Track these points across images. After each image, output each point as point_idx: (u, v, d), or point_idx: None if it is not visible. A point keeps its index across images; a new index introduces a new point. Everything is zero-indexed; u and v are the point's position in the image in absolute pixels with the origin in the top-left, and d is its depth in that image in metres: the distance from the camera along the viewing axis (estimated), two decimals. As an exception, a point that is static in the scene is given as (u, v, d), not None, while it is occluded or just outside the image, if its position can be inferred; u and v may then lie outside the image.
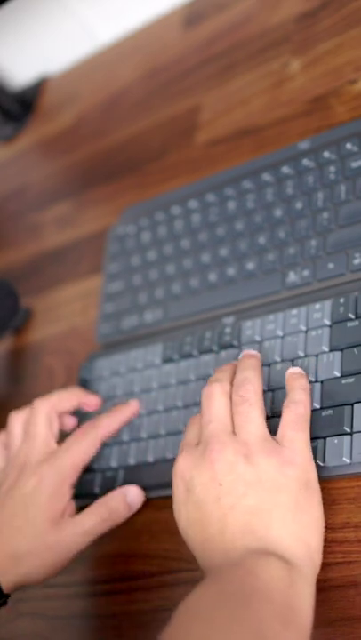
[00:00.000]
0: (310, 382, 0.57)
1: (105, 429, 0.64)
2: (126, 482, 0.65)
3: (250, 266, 0.67)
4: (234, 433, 0.53)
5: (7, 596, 0.58)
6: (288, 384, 0.56)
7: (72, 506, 0.61)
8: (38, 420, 0.64)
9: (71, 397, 0.66)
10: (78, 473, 0.62)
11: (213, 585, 0.48)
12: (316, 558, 0.50)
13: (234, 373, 0.57)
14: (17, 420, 0.66)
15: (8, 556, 0.58)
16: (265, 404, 0.57)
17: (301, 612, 0.47)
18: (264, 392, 0.59)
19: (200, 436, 0.55)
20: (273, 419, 0.57)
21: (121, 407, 0.66)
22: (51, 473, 0.60)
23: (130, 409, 0.66)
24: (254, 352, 0.60)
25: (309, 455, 0.52)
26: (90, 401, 0.68)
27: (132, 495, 0.62)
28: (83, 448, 0.62)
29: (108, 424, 0.64)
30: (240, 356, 0.60)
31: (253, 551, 0.49)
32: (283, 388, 0.58)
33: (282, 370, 0.59)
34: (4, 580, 0.57)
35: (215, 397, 0.55)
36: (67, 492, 0.60)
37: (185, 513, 0.53)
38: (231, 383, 0.56)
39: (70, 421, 0.68)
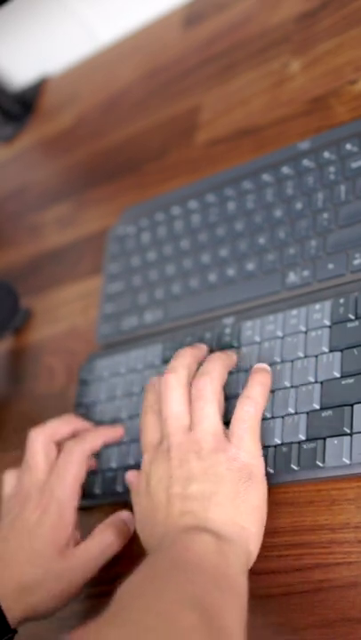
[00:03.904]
0: (310, 383, 0.57)
1: (89, 447, 0.64)
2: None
3: (250, 266, 0.67)
4: (190, 426, 0.56)
5: (14, 631, 0.58)
6: (251, 376, 0.58)
7: (77, 533, 0.61)
8: (35, 449, 0.64)
9: (66, 424, 0.66)
10: (78, 496, 0.62)
11: (149, 564, 0.51)
12: (252, 543, 0.53)
13: (193, 359, 0.59)
14: (39, 440, 0.65)
15: (15, 588, 0.58)
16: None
17: (236, 582, 0.49)
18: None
19: (161, 430, 0.58)
20: (272, 419, 0.57)
21: (107, 427, 0.67)
22: (52, 504, 0.60)
23: (115, 431, 0.66)
24: (231, 353, 0.61)
25: (257, 452, 0.55)
26: (84, 428, 0.67)
27: (124, 517, 0.62)
28: (73, 472, 0.62)
29: (93, 441, 0.64)
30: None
31: (189, 529, 0.52)
32: (282, 388, 0.58)
33: (282, 370, 0.59)
34: (10, 615, 0.57)
35: (171, 390, 0.57)
36: (70, 519, 0.60)
37: (140, 503, 0.57)
38: (189, 371, 0.58)
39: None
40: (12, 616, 0.57)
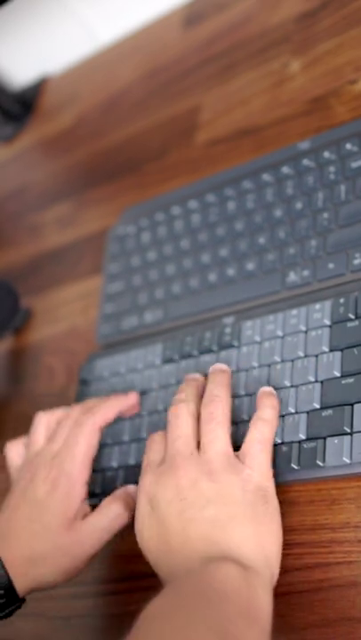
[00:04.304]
0: (310, 382, 0.57)
1: (100, 419, 0.63)
2: (126, 482, 0.65)
3: (250, 266, 0.67)
4: (198, 449, 0.55)
5: (22, 600, 0.58)
6: (259, 400, 0.57)
7: (86, 506, 0.61)
8: (37, 423, 0.63)
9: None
10: (89, 470, 0.61)
11: (173, 591, 0.50)
12: (274, 566, 0.52)
13: (199, 390, 0.59)
14: (41, 421, 0.65)
15: (24, 559, 0.58)
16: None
17: (261, 612, 0.48)
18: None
19: (165, 454, 0.56)
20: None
21: (118, 396, 0.66)
22: (61, 478, 0.60)
23: (128, 399, 0.65)
24: (225, 367, 0.61)
25: (269, 474, 0.54)
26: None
27: (131, 490, 0.62)
28: (83, 445, 0.61)
29: (104, 414, 0.63)
30: (210, 369, 0.61)
31: (212, 558, 0.50)
32: (283, 388, 0.58)
33: (282, 370, 0.59)
34: (18, 584, 0.57)
35: (182, 417, 0.57)
36: (80, 493, 0.60)
37: (148, 527, 0.54)
38: (196, 402, 0.58)
39: None
40: (20, 586, 0.57)
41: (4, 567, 0.57)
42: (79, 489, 0.60)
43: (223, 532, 0.51)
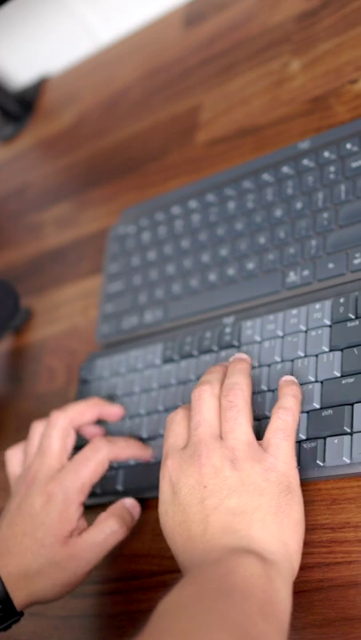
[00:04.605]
0: (310, 382, 0.57)
1: (116, 453, 0.62)
2: (126, 482, 0.65)
3: (250, 266, 0.67)
4: (221, 436, 0.54)
5: (20, 613, 0.58)
6: (280, 390, 0.57)
7: (83, 523, 0.60)
8: (53, 433, 0.62)
9: (91, 409, 0.65)
10: (87, 493, 0.61)
11: (193, 583, 0.49)
12: (295, 559, 0.51)
13: (224, 374, 0.58)
14: (37, 429, 0.65)
15: (21, 575, 0.58)
16: (263, 405, 0.58)
17: (280, 607, 0.48)
18: (263, 392, 0.59)
19: (188, 439, 0.56)
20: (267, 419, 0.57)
21: (139, 443, 0.65)
22: (59, 494, 0.59)
23: (145, 451, 0.65)
24: (245, 356, 0.60)
25: (293, 463, 0.53)
26: (111, 411, 0.67)
27: (129, 504, 0.62)
28: (91, 470, 0.61)
29: (121, 450, 0.63)
30: (231, 359, 0.60)
31: (233, 550, 0.50)
32: (283, 387, 0.58)
33: (282, 370, 0.59)
34: (16, 598, 0.57)
35: (205, 399, 0.56)
36: (75, 513, 0.59)
37: (171, 514, 0.54)
38: (222, 385, 0.57)
39: (94, 430, 0.67)
40: (18, 600, 0.57)
41: (1, 582, 0.57)
42: (75, 508, 0.59)
43: (244, 522, 0.51)
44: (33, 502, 0.59)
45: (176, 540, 0.53)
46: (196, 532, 0.51)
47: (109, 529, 0.59)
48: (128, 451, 0.63)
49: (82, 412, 0.64)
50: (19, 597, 0.57)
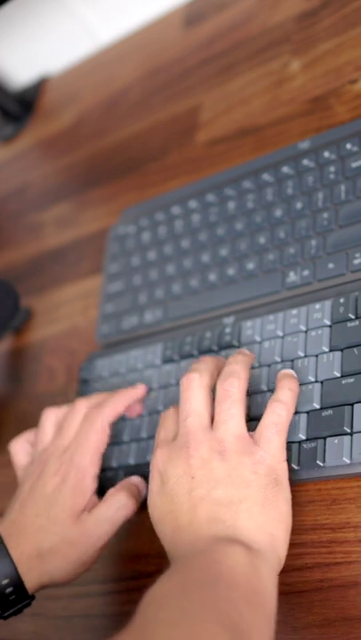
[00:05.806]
0: (310, 382, 0.57)
1: (112, 413, 0.62)
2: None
3: (250, 266, 0.67)
4: (211, 425, 0.55)
5: (32, 597, 0.58)
6: (279, 381, 0.57)
7: (95, 499, 0.61)
8: (45, 418, 0.63)
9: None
10: (98, 465, 0.61)
11: (179, 572, 0.49)
12: (281, 550, 0.52)
13: (215, 367, 0.58)
14: (49, 417, 0.65)
15: (33, 555, 0.58)
16: (262, 406, 0.58)
17: (266, 596, 0.48)
18: (263, 392, 0.59)
19: (177, 430, 0.56)
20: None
21: (126, 390, 0.65)
22: (71, 471, 0.60)
23: (136, 391, 0.65)
24: (248, 352, 0.60)
25: (283, 457, 0.54)
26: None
27: (136, 481, 0.62)
28: (93, 440, 0.61)
29: (115, 406, 0.63)
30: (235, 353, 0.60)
31: (219, 540, 0.50)
32: (283, 387, 0.58)
33: (282, 370, 0.59)
34: (28, 580, 0.57)
35: (193, 389, 0.56)
36: (89, 486, 0.60)
37: (159, 504, 0.54)
38: (211, 376, 0.57)
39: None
40: (29, 583, 0.57)
41: (13, 564, 0.57)
42: (89, 481, 0.60)
43: (231, 513, 0.51)
44: (45, 483, 0.60)
45: (164, 529, 0.54)
46: (183, 521, 0.52)
47: (118, 502, 0.60)
48: (120, 403, 0.63)
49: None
50: (31, 579, 0.58)
